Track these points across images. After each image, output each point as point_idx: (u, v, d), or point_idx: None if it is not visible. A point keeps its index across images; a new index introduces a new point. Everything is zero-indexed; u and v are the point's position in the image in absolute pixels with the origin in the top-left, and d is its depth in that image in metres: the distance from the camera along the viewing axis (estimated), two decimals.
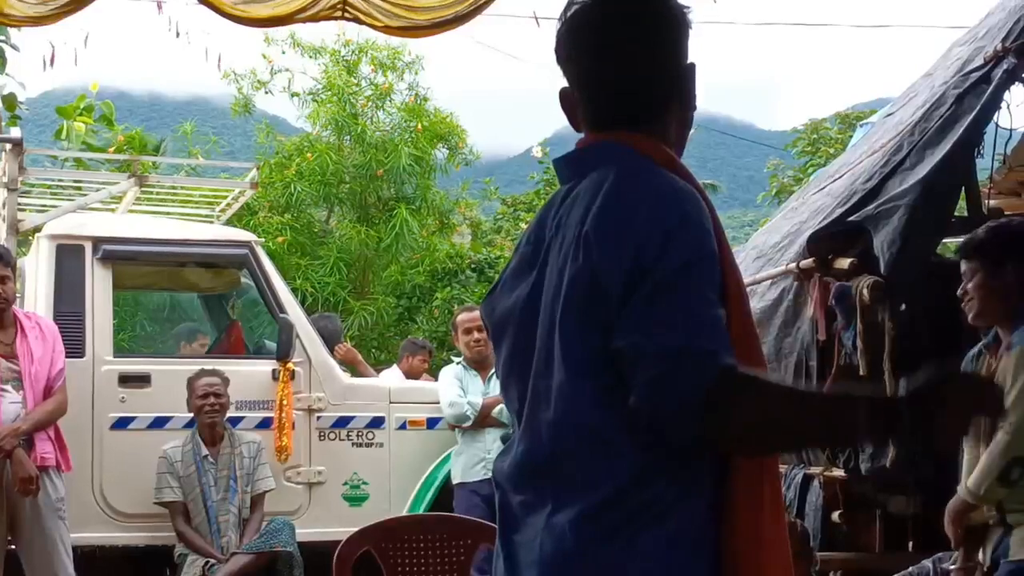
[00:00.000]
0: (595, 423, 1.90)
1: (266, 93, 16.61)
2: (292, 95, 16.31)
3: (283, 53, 16.26)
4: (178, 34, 5.77)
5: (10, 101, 11.91)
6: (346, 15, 4.86)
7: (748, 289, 5.91)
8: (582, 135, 2.12)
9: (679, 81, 2.08)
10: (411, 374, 8.48)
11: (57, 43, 6.32)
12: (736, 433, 1.82)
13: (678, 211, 1.90)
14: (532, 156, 16.15)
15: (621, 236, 1.88)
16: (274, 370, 7.01)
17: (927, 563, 4.61)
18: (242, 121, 18.04)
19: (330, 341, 7.71)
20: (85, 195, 7.96)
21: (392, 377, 8.30)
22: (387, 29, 4.90)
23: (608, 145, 2.05)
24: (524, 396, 2.02)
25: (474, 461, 6.94)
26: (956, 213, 5.67)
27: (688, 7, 2.09)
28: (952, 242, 7.39)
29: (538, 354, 1.99)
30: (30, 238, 8.00)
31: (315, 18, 4.95)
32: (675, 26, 2.07)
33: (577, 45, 2.07)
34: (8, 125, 10.96)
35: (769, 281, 5.80)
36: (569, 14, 2.07)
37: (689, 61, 2.09)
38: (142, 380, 6.91)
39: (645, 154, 2.02)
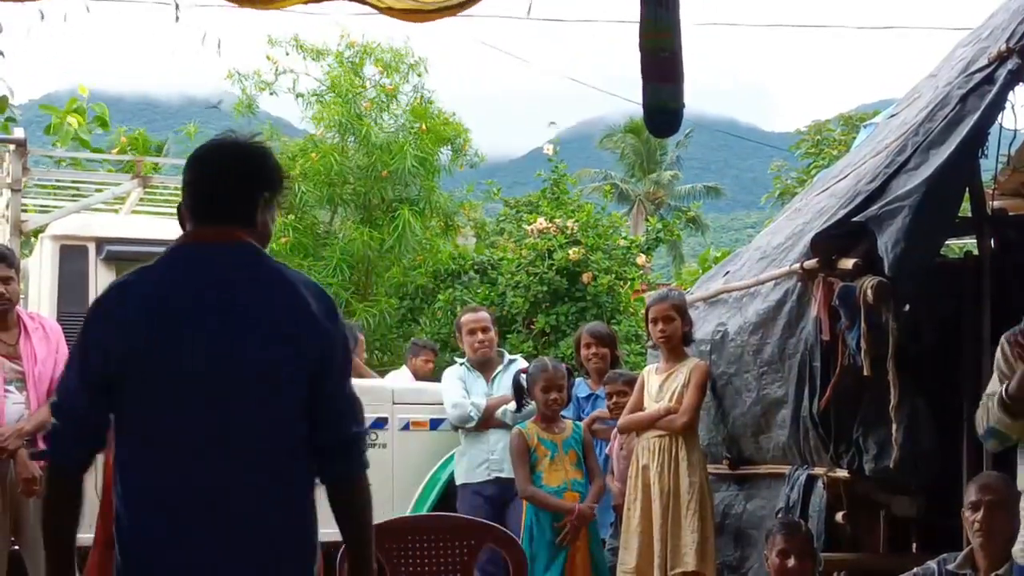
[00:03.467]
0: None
1: (271, 94, 16.61)
2: (297, 96, 16.31)
3: (287, 55, 16.27)
4: (177, 18, 5.71)
5: (2, 105, 11.87)
6: None
7: (752, 290, 5.94)
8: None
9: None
10: (417, 375, 8.47)
11: (44, 19, 6.28)
12: None
13: None
14: (544, 153, 16.08)
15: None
16: None
17: (931, 564, 4.61)
18: (244, 123, 18.03)
19: None
20: (88, 196, 7.97)
21: (401, 378, 8.29)
22: (392, 12, 4.83)
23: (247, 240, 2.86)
24: (225, 428, 2.72)
25: (477, 462, 6.94)
26: (960, 214, 5.66)
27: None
28: (956, 243, 7.39)
29: (249, 407, 2.73)
30: (33, 239, 8.00)
31: None
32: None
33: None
34: (3, 129, 10.97)
35: (773, 282, 5.79)
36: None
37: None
38: None
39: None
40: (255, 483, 2.74)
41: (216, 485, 2.72)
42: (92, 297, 6.85)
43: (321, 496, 2.93)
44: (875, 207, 5.26)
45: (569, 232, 13.14)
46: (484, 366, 7.14)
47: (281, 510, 2.77)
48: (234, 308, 2.75)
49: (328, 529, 3.01)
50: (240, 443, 2.73)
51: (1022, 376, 3.97)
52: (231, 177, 2.88)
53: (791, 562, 4.92)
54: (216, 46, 8.08)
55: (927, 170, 5.26)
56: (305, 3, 4.88)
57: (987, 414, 4.10)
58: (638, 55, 4.86)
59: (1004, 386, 4.02)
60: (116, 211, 8.05)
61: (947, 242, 6.43)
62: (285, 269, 2.87)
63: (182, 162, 10.93)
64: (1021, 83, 5.48)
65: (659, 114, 4.88)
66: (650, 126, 5.08)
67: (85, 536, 6.53)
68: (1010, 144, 6.06)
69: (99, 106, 14.24)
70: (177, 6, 5.78)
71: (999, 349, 4.16)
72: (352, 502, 2.88)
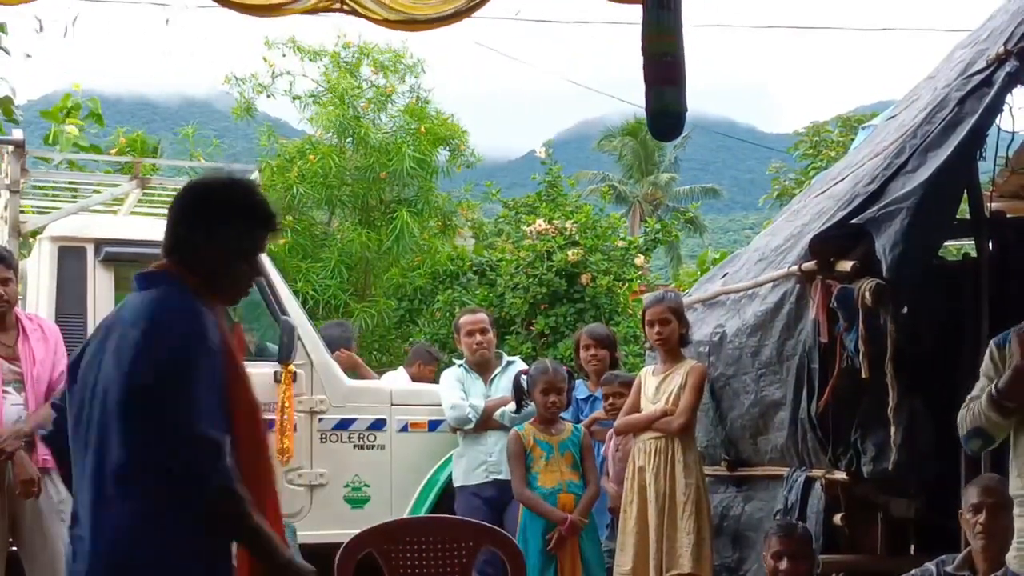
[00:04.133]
0: None
1: (268, 97, 16.61)
2: (294, 98, 16.30)
3: (283, 56, 16.26)
4: (167, 21, 5.74)
5: (6, 105, 11.82)
6: (344, 7, 4.81)
7: (750, 292, 5.94)
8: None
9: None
10: (418, 379, 8.44)
11: (46, 24, 6.25)
12: None
13: None
14: (536, 155, 16.07)
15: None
16: (276, 372, 7.00)
17: (929, 566, 4.61)
18: (243, 124, 18.02)
19: (334, 347, 7.72)
20: (87, 197, 7.97)
21: (398, 379, 8.28)
22: (386, 23, 4.87)
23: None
24: (81, 451, 2.96)
25: (475, 464, 6.93)
26: (958, 216, 5.67)
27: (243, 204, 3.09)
28: (954, 245, 7.40)
29: (99, 428, 2.89)
30: (31, 240, 8.00)
31: (314, 9, 4.90)
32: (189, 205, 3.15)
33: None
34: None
35: (771, 284, 5.80)
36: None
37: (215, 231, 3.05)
38: None
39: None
40: (89, 502, 2.92)
41: (77, 500, 2.99)
42: (90, 298, 6.87)
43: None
44: (873, 209, 5.27)
45: (568, 233, 13.14)
46: (482, 368, 7.14)
47: (103, 533, 2.88)
48: (107, 336, 2.98)
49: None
50: (88, 466, 2.93)
51: (1014, 371, 3.96)
52: (171, 213, 3.14)
53: (783, 564, 4.92)
54: (208, 45, 8.10)
55: (925, 172, 5.26)
56: (302, 13, 4.91)
57: (971, 416, 4.09)
58: (639, 59, 4.86)
59: (995, 382, 4.01)
60: (115, 212, 8.05)
61: (945, 244, 6.43)
62: (152, 302, 2.97)
63: (180, 163, 10.91)
64: (1019, 85, 5.49)
65: (663, 118, 4.88)
66: (654, 130, 5.08)
67: None
68: (1008, 146, 6.06)
69: (93, 100, 14.16)
70: (168, 20, 5.80)
71: (986, 354, 4.16)
72: (213, 520, 2.88)
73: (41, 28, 6.08)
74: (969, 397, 4.15)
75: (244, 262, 3.07)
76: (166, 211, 3.23)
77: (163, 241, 3.09)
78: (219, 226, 3.04)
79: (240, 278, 3.09)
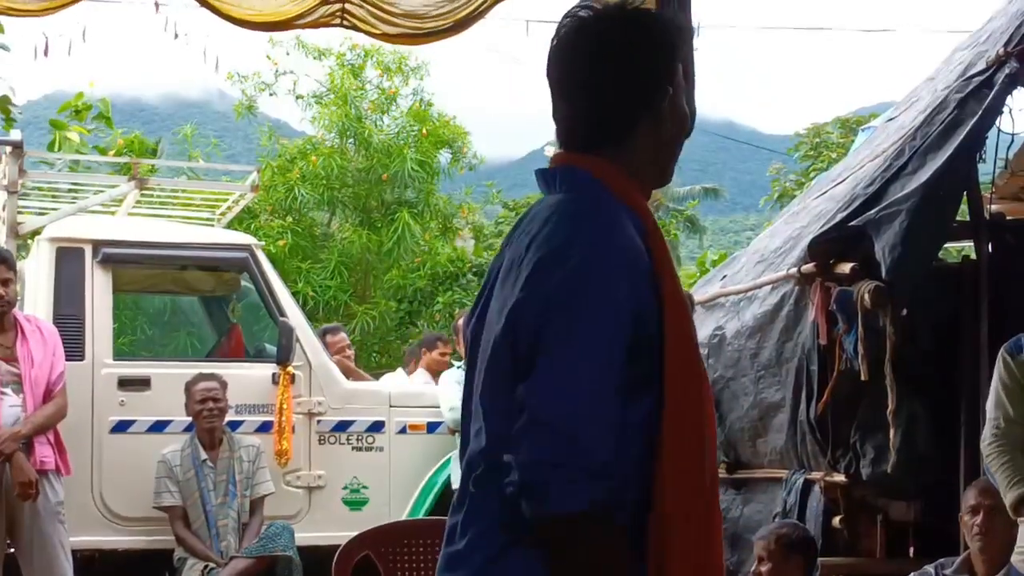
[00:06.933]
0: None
1: (270, 95, 16.63)
2: (297, 98, 16.31)
3: (287, 54, 16.28)
4: (176, 35, 5.73)
5: (3, 105, 11.78)
6: (344, 23, 4.86)
7: (749, 294, 5.93)
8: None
9: (645, 105, 2.04)
10: (435, 368, 8.28)
11: (51, 35, 6.25)
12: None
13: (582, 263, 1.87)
14: (545, 155, 16.11)
15: (538, 281, 1.88)
16: (274, 374, 6.99)
17: (929, 568, 4.60)
18: (242, 124, 18.05)
19: None
20: (85, 198, 7.96)
21: (397, 381, 8.26)
22: (385, 37, 4.90)
23: (569, 169, 2.06)
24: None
25: None
26: (958, 218, 5.66)
27: (681, 27, 2.11)
28: (954, 247, 7.39)
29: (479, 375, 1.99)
30: (29, 241, 7.99)
31: (315, 24, 4.95)
32: (646, 49, 2.03)
33: (552, 68, 2.10)
34: (5, 128, 10.93)
35: (770, 286, 5.79)
36: (555, 35, 2.09)
37: (673, 80, 2.06)
38: (142, 383, 6.90)
39: (601, 180, 2.01)
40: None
41: None
42: (88, 300, 6.87)
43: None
44: (873, 211, 5.26)
45: None
46: None
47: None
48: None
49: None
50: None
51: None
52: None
53: (763, 568, 4.88)
54: (211, 59, 8.09)
55: (925, 174, 5.25)
56: (303, 28, 4.94)
57: (995, 476, 4.12)
58: None
59: (1010, 493, 4.03)
60: (113, 213, 8.04)
61: (945, 246, 6.42)
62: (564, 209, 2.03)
63: (178, 164, 10.87)
64: (1019, 87, 5.48)
65: None
66: None
67: (80, 539, 6.51)
68: (1008, 148, 6.05)
69: (103, 101, 14.14)
70: (176, 26, 5.81)
71: (998, 362, 4.14)
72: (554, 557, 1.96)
73: (47, 50, 6.06)
74: (990, 419, 4.14)
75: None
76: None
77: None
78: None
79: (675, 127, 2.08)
